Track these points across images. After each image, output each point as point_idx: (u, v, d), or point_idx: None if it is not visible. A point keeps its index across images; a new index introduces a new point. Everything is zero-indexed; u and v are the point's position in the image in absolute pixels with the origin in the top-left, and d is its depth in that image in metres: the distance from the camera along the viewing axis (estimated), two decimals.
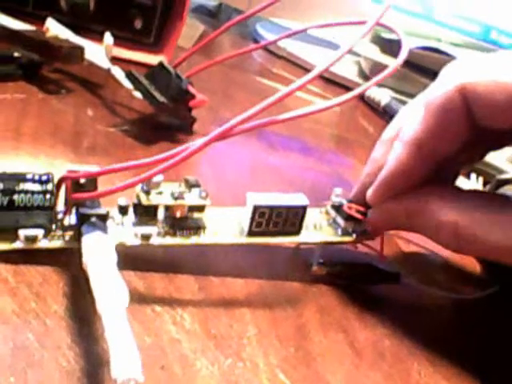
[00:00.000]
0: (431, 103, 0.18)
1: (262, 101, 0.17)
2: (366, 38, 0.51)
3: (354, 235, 0.22)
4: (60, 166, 0.22)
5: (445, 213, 0.19)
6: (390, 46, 0.47)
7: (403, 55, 0.22)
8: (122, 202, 0.18)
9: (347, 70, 0.49)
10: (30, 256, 0.17)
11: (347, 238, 0.22)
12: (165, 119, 0.29)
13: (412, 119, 0.19)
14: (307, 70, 0.48)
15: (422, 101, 0.19)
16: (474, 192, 0.22)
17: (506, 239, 0.18)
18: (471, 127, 0.18)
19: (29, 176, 0.17)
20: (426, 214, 0.20)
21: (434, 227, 0.19)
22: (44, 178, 0.17)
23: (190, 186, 0.19)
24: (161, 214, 0.19)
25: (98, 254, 0.16)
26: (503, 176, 0.26)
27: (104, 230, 0.17)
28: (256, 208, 0.19)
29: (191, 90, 0.28)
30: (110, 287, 0.14)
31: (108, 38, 0.29)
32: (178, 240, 0.19)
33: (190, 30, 0.45)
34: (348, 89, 0.46)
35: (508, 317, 0.23)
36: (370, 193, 0.21)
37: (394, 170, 0.20)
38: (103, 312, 0.14)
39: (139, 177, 0.16)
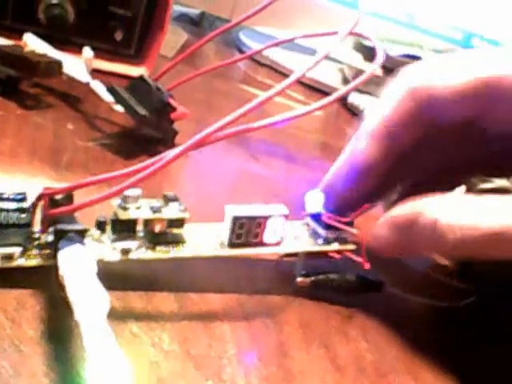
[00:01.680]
0: (387, 101, 0.21)
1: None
2: (350, 46, 0.51)
3: (336, 244, 0.22)
4: (38, 183, 0.22)
5: (432, 210, 0.19)
6: (373, 54, 0.47)
7: (379, 60, 0.23)
8: (100, 218, 0.18)
9: (331, 77, 0.49)
10: (4, 280, 0.17)
11: (329, 248, 0.22)
12: (146, 132, 0.29)
13: (371, 115, 0.21)
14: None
15: (381, 99, 0.21)
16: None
17: (495, 223, 0.18)
18: (422, 123, 0.21)
19: (4, 195, 0.17)
20: (418, 213, 0.19)
21: (430, 226, 0.19)
22: (19, 196, 0.17)
23: (169, 200, 0.19)
24: (140, 228, 0.19)
25: (76, 263, 0.16)
26: (485, 185, 0.26)
27: (82, 243, 0.17)
28: (235, 219, 0.19)
29: (172, 102, 0.28)
30: (89, 293, 0.14)
31: (87, 52, 0.29)
32: (157, 254, 0.19)
33: (173, 39, 0.45)
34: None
35: (489, 327, 0.23)
36: (327, 181, 0.22)
37: (352, 158, 0.21)
38: (82, 319, 0.13)
39: (115, 188, 0.16)
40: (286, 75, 0.50)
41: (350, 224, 0.22)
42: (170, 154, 0.16)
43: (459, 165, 0.24)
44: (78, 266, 0.15)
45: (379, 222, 0.21)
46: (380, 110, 0.21)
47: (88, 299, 0.14)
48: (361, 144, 0.21)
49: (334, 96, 0.19)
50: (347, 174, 0.22)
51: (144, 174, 0.16)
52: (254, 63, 0.51)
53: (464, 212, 0.18)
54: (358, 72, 0.48)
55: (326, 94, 0.47)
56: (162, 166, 0.16)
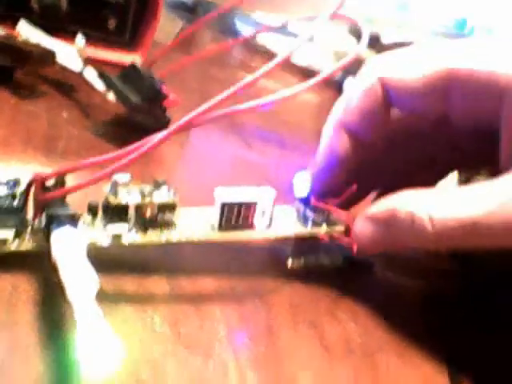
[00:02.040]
0: (356, 91, 0.21)
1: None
2: (345, 30, 0.51)
3: (324, 227, 0.22)
4: (32, 170, 0.22)
5: (408, 204, 0.19)
6: (370, 40, 0.47)
7: (364, 41, 0.23)
8: (92, 203, 0.19)
9: (326, 63, 0.49)
10: (1, 259, 0.17)
11: (318, 230, 0.22)
12: (139, 120, 0.29)
13: (339, 105, 0.22)
14: (289, 64, 0.48)
15: (349, 90, 0.22)
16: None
17: (478, 211, 0.18)
18: (388, 112, 0.21)
19: None
20: (397, 207, 0.20)
21: (409, 220, 0.19)
22: (12, 182, 0.17)
23: (159, 185, 0.19)
24: (131, 213, 0.19)
25: (66, 245, 0.16)
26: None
27: (73, 227, 0.17)
28: (224, 205, 0.20)
29: (164, 89, 0.28)
30: (78, 274, 0.15)
31: (80, 40, 0.29)
32: (148, 239, 0.19)
33: (169, 26, 0.45)
34: (327, 81, 0.46)
35: (481, 313, 0.24)
36: (310, 168, 0.23)
37: (325, 151, 0.22)
38: (73, 299, 0.14)
39: (104, 171, 0.17)
40: (293, 66, 0.50)
41: (339, 207, 0.22)
42: (158, 136, 0.16)
43: (432, 163, 0.24)
44: (68, 248, 0.16)
45: (358, 220, 0.21)
46: (344, 103, 0.22)
47: (78, 279, 0.14)
48: (328, 137, 0.22)
49: (320, 77, 0.20)
50: (322, 167, 0.22)
51: (132, 156, 0.16)
52: (250, 50, 0.51)
53: (440, 204, 0.19)
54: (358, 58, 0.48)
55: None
56: (151, 148, 0.16)
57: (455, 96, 0.20)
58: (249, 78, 0.18)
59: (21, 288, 0.17)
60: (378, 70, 0.21)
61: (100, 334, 0.13)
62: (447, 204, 0.19)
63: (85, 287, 0.14)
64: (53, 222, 0.17)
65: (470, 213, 0.18)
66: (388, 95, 0.21)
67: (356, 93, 0.21)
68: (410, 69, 0.20)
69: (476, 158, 0.23)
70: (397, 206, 0.20)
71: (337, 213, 0.22)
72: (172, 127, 0.17)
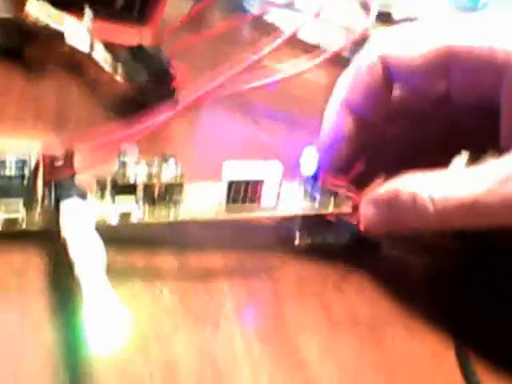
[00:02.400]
0: (357, 69, 0.21)
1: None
2: (356, 5, 0.50)
3: (332, 206, 0.22)
4: (41, 147, 0.23)
5: (410, 185, 0.20)
6: (381, 16, 0.46)
7: (373, 16, 0.23)
8: (100, 181, 0.19)
9: (336, 39, 0.49)
10: (10, 237, 0.17)
11: (325, 209, 0.22)
12: (147, 99, 0.29)
13: (341, 84, 0.22)
14: (300, 42, 0.48)
15: (351, 68, 0.22)
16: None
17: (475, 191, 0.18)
18: (389, 89, 0.21)
19: (7, 160, 0.17)
20: (399, 189, 0.20)
21: (411, 201, 0.20)
22: (21, 160, 0.17)
23: (167, 159, 0.19)
24: (139, 192, 0.19)
25: (76, 216, 0.16)
26: None
27: (82, 202, 0.17)
28: (231, 183, 0.20)
29: (173, 68, 0.28)
30: (87, 244, 0.15)
31: (88, 17, 0.29)
32: (156, 217, 0.19)
33: (178, 4, 0.45)
34: (336, 58, 0.46)
35: (483, 288, 0.24)
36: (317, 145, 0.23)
37: (328, 129, 0.22)
38: (81, 276, 0.14)
39: (112, 140, 0.17)
40: (295, 40, 0.49)
41: (346, 186, 0.22)
42: (166, 114, 0.17)
43: (434, 144, 0.24)
44: (77, 220, 0.16)
45: (363, 202, 0.21)
46: (347, 80, 0.22)
47: (86, 250, 0.15)
48: (332, 116, 0.22)
49: (328, 54, 0.20)
50: (327, 144, 0.22)
51: (140, 128, 0.16)
52: (259, 28, 0.51)
53: (440, 184, 0.19)
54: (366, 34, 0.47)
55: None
56: (158, 126, 0.16)
57: (455, 73, 0.20)
58: (256, 55, 0.18)
59: (32, 259, 0.17)
60: (379, 47, 0.21)
61: (108, 306, 0.13)
62: (448, 184, 0.19)
63: (93, 259, 0.14)
64: (62, 198, 0.17)
65: (470, 192, 0.18)
66: (389, 72, 0.21)
67: (356, 70, 0.21)
68: (410, 46, 0.20)
69: (478, 137, 0.23)
70: (399, 187, 0.20)
71: (344, 189, 0.22)
72: (181, 105, 0.17)
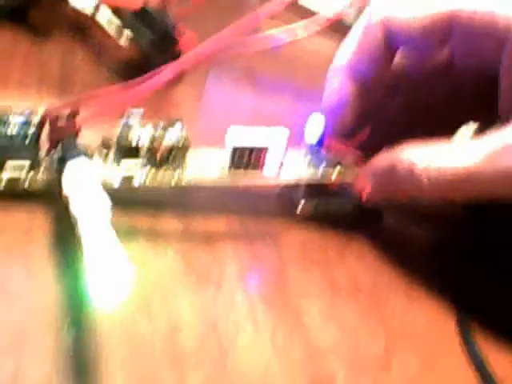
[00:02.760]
0: (357, 33, 0.21)
1: None
2: None
3: (336, 172, 0.22)
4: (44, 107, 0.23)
5: (408, 156, 0.20)
6: None
7: None
8: (104, 142, 0.19)
9: (341, 7, 0.48)
10: (16, 194, 0.17)
11: (329, 177, 0.22)
12: (152, 62, 0.29)
13: (341, 48, 0.22)
14: (304, 10, 0.47)
15: (352, 32, 0.21)
16: None
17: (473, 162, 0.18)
18: (391, 53, 0.21)
19: (11, 116, 0.17)
20: (397, 160, 0.20)
21: (408, 171, 0.20)
22: (24, 118, 0.17)
23: (172, 125, 0.19)
24: (143, 153, 0.19)
25: (81, 172, 0.16)
26: None
27: (87, 159, 0.17)
28: (235, 149, 0.20)
29: (178, 32, 0.28)
30: (91, 197, 0.15)
31: None
32: (160, 179, 0.19)
33: None
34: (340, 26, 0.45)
35: (484, 258, 0.24)
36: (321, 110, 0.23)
37: (331, 96, 0.22)
38: (85, 227, 0.14)
39: (116, 101, 0.17)
40: (301, 8, 0.49)
41: (350, 151, 0.22)
42: (170, 67, 0.16)
43: (435, 114, 0.24)
44: (82, 175, 0.16)
45: (361, 171, 0.21)
46: (348, 45, 0.21)
47: (90, 203, 0.14)
48: (333, 81, 0.22)
49: (328, 19, 0.19)
50: (330, 109, 0.22)
51: (144, 87, 0.16)
52: None
53: (437, 156, 0.19)
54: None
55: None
56: (162, 82, 0.16)
57: (457, 39, 0.20)
58: (256, 13, 0.18)
59: (38, 217, 0.17)
60: (380, 10, 0.21)
61: (113, 258, 0.13)
62: (443, 156, 0.19)
63: (98, 213, 0.14)
64: (66, 156, 0.17)
65: (463, 163, 0.18)
66: (389, 36, 0.20)
67: (358, 34, 0.21)
68: (411, 10, 0.20)
69: (482, 108, 0.23)
70: (397, 158, 0.20)
71: (349, 153, 0.22)
72: (183, 58, 0.17)
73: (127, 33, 0.27)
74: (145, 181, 0.19)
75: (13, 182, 0.17)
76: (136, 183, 0.19)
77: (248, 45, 0.18)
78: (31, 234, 0.17)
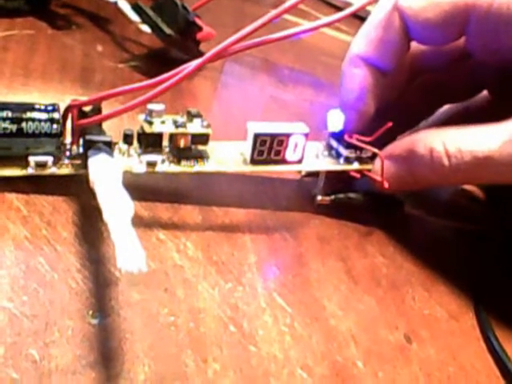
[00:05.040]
0: (373, 21, 0.21)
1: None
2: None
3: (356, 164, 0.22)
4: (68, 100, 0.23)
5: (427, 140, 0.20)
6: None
7: None
8: (127, 131, 0.19)
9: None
10: (40, 186, 0.18)
11: (349, 167, 0.22)
12: (173, 53, 0.29)
13: (357, 38, 0.21)
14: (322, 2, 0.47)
15: (368, 21, 0.21)
16: None
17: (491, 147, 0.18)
18: (407, 43, 0.21)
19: (36, 106, 0.17)
20: (416, 144, 0.20)
21: (427, 155, 0.20)
22: (50, 107, 0.18)
23: (193, 116, 0.19)
24: (165, 143, 0.19)
25: (104, 170, 0.17)
26: None
27: (110, 153, 0.18)
28: (257, 136, 0.20)
29: (198, 22, 0.28)
30: (115, 197, 0.15)
31: None
32: (182, 168, 0.19)
33: None
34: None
35: (503, 251, 0.24)
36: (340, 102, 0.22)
37: (347, 85, 0.21)
38: (109, 217, 0.14)
39: (138, 99, 0.17)
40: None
41: (371, 144, 0.22)
42: (191, 64, 0.16)
43: (458, 101, 0.24)
44: (105, 175, 0.16)
45: (379, 157, 0.21)
46: (365, 35, 0.21)
47: (114, 204, 0.15)
48: (351, 74, 0.21)
49: (349, 10, 0.19)
50: (348, 100, 0.22)
51: (166, 84, 0.16)
52: None
53: (456, 139, 0.19)
54: None
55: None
56: (184, 77, 0.16)
57: (474, 28, 0.19)
58: (275, 10, 0.18)
59: (61, 209, 0.17)
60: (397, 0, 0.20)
61: (133, 252, 0.13)
62: (463, 139, 0.19)
63: (120, 211, 0.14)
64: (90, 147, 0.17)
65: (484, 147, 0.18)
66: (406, 24, 0.20)
67: (374, 24, 0.21)
68: (428, 0, 0.20)
69: (502, 97, 0.23)
70: (416, 142, 0.20)
71: (369, 149, 0.21)
72: (205, 56, 0.17)
73: (148, 22, 0.27)
74: (167, 167, 0.19)
75: (39, 165, 0.17)
76: (158, 169, 0.19)
77: (269, 40, 0.18)
78: (56, 221, 0.17)
